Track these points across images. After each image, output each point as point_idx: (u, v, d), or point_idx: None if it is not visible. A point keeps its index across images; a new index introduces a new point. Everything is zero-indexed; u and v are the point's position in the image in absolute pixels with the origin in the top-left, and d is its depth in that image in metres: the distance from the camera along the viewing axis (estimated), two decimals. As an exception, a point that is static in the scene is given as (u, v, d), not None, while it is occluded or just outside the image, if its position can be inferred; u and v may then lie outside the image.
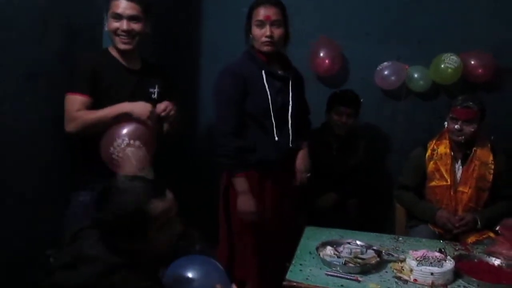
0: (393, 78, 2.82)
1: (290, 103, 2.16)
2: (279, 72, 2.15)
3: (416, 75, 2.77)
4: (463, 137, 2.28)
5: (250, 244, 2.18)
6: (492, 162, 2.30)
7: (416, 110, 2.87)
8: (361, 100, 2.66)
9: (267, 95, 2.09)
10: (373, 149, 2.79)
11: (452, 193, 2.32)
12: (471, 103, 2.24)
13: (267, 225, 2.17)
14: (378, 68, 2.83)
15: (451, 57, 2.66)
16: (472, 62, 2.70)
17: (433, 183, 2.36)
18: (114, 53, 2.06)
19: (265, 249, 2.19)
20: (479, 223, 2.27)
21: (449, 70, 2.66)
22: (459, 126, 2.26)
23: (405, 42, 2.84)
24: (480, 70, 2.70)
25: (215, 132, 2.13)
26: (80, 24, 2.17)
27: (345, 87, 2.88)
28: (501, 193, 2.33)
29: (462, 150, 2.34)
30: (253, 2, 2.11)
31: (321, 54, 2.87)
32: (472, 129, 2.26)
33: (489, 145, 2.34)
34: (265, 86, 2.09)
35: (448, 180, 2.31)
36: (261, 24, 2.06)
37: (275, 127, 2.10)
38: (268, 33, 2.05)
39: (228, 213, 2.22)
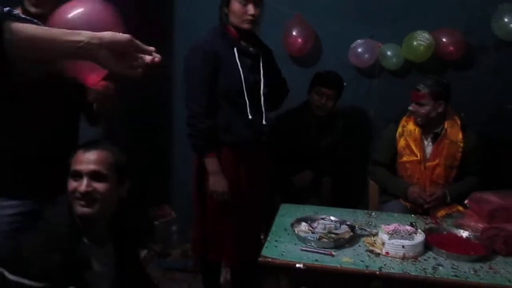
0: (366, 56, 2.83)
1: (262, 80, 2.15)
2: (250, 49, 2.13)
3: (389, 53, 2.79)
4: (419, 119, 2.35)
5: (224, 224, 2.19)
6: (462, 140, 2.36)
7: (389, 87, 2.90)
8: (344, 84, 2.64)
9: (240, 73, 2.06)
10: (349, 127, 2.81)
11: (422, 168, 2.37)
12: (422, 85, 2.31)
13: (242, 204, 2.19)
14: (352, 46, 2.83)
15: (423, 34, 2.68)
16: (444, 40, 2.73)
17: (404, 159, 2.42)
18: None
19: (240, 228, 2.20)
20: (448, 197, 2.34)
21: (421, 47, 2.68)
22: (412, 107, 2.34)
23: (378, 20, 2.85)
24: (451, 48, 2.74)
25: (188, 113, 2.10)
26: None
27: (319, 66, 2.89)
28: (469, 169, 2.40)
29: (431, 128, 2.38)
30: None
31: (294, 33, 2.84)
32: (423, 111, 2.32)
33: (458, 123, 2.39)
34: (237, 64, 2.06)
35: (418, 155, 2.37)
36: (245, 3, 2.04)
37: (249, 106, 2.09)
38: (252, 11, 2.04)
39: (201, 194, 2.21)
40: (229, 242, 2.20)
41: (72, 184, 1.41)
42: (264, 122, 2.16)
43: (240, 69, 2.06)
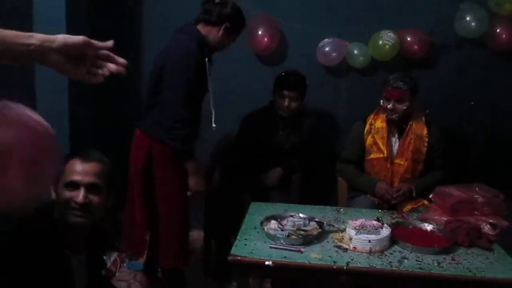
0: (334, 54, 2.87)
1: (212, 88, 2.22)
2: (211, 59, 2.20)
3: (356, 52, 2.83)
4: (396, 115, 2.39)
5: (182, 226, 2.23)
6: (427, 135, 2.42)
7: (357, 86, 2.95)
8: (307, 83, 2.64)
9: (207, 83, 2.14)
10: (317, 125, 2.84)
11: (389, 165, 2.43)
12: (401, 83, 2.35)
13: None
14: (319, 45, 2.86)
15: (389, 34, 2.74)
16: (408, 39, 2.80)
17: (371, 156, 2.46)
18: None
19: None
20: (414, 192, 2.40)
21: (387, 46, 2.74)
22: (391, 106, 2.37)
23: (345, 19, 2.89)
24: (415, 47, 2.81)
25: (173, 115, 2.05)
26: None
27: (286, 64, 2.90)
28: (434, 163, 2.47)
29: (398, 124, 2.44)
30: None
31: (260, 32, 2.85)
32: (404, 107, 2.37)
33: (423, 119, 2.46)
34: (206, 74, 2.12)
35: (385, 152, 2.42)
36: None
37: (215, 115, 2.18)
38: None
39: (149, 197, 2.23)
40: (177, 245, 2.24)
41: (67, 194, 1.39)
42: (213, 124, 2.22)
43: (208, 78, 2.14)
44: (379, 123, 2.45)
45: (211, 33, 2.17)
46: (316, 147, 2.83)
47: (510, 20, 2.72)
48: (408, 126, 2.42)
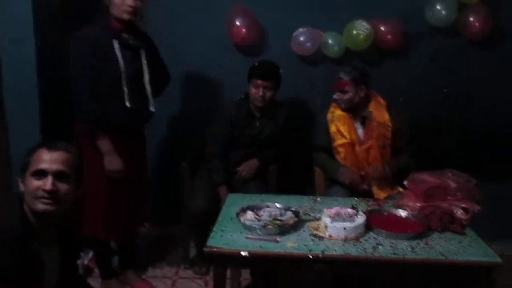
0: (308, 44, 2.86)
1: (147, 70, 2.26)
2: (131, 41, 2.20)
3: (330, 41, 2.84)
4: (343, 105, 2.44)
5: (101, 200, 2.26)
6: (389, 120, 2.44)
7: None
8: (281, 72, 2.63)
9: (118, 64, 2.16)
10: (293, 115, 2.84)
11: (354, 150, 2.45)
12: (342, 73, 2.41)
13: (118, 186, 2.27)
14: (294, 34, 2.86)
15: (363, 23, 2.75)
16: (382, 29, 2.81)
17: (336, 143, 2.50)
18: None
19: (116, 202, 2.30)
20: (387, 168, 2.42)
21: (361, 36, 2.74)
22: (336, 96, 2.43)
23: (320, 8, 2.89)
24: (389, 37, 2.82)
25: (76, 97, 2.17)
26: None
27: (264, 55, 2.89)
28: (401, 148, 2.49)
29: (359, 112, 2.47)
30: None
31: (237, 23, 2.83)
32: (347, 97, 2.42)
33: (384, 104, 2.47)
34: (116, 55, 2.15)
35: (348, 137, 2.45)
36: None
37: (127, 94, 2.18)
38: (131, 3, 2.13)
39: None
40: (105, 218, 2.29)
41: (35, 182, 1.39)
42: (151, 108, 2.30)
43: (120, 60, 2.16)
44: (339, 111, 2.50)
45: (112, 3, 2.16)
46: (292, 137, 2.84)
47: (480, 8, 2.76)
48: (368, 114, 2.44)
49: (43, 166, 1.39)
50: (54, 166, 1.40)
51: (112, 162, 2.20)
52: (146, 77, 2.27)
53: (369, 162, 2.45)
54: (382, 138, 2.43)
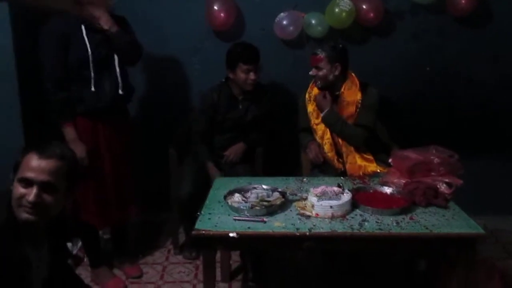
0: (291, 27, 2.84)
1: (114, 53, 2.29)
2: (98, 25, 2.21)
3: (313, 21, 2.82)
4: (319, 82, 2.44)
5: (92, 189, 2.31)
6: (359, 100, 2.43)
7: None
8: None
9: (87, 48, 2.19)
10: (277, 98, 2.84)
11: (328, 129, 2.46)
12: (319, 49, 2.40)
13: (104, 169, 2.34)
14: (276, 20, 2.84)
15: (345, 0, 2.73)
16: (364, 7, 2.80)
17: (313, 122, 2.51)
18: None
19: (104, 193, 2.35)
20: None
21: (343, 13, 2.73)
22: (312, 72, 2.42)
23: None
24: (371, 14, 2.82)
25: (46, 85, 2.22)
26: None
27: (244, 39, 2.84)
28: (360, 122, 2.44)
29: (333, 91, 2.46)
30: None
31: (216, 8, 2.80)
32: (322, 74, 2.40)
33: (357, 84, 2.46)
34: (84, 40, 2.19)
35: None
36: None
37: (95, 78, 2.23)
38: None
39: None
40: (94, 206, 2.33)
41: (20, 190, 1.31)
42: (120, 92, 2.31)
43: (88, 44, 2.19)
44: (316, 90, 2.51)
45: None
46: (277, 119, 2.84)
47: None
48: (340, 93, 2.45)
49: (30, 175, 1.31)
50: (41, 177, 1.31)
51: (76, 149, 2.18)
52: (116, 61, 2.29)
53: (342, 141, 2.45)
54: (352, 118, 2.44)
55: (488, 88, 3.01)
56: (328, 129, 2.46)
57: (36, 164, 1.31)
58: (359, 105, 2.43)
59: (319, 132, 2.49)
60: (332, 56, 2.39)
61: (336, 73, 2.41)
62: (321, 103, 2.44)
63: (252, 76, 2.52)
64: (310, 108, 2.51)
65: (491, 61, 2.97)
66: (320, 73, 2.40)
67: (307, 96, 2.54)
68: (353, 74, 2.48)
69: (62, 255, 1.60)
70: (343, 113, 2.44)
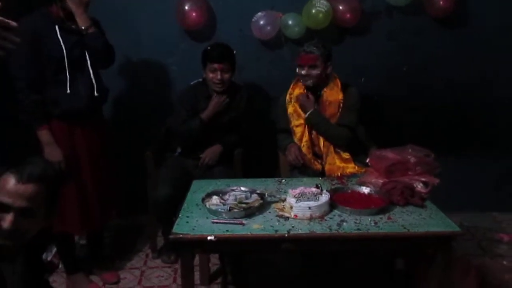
0: (269, 28, 2.83)
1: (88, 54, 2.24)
2: (73, 26, 2.19)
3: (290, 22, 2.82)
4: (311, 81, 2.42)
5: (67, 194, 2.23)
6: (341, 100, 2.45)
7: (294, 56, 2.94)
8: (234, 52, 2.60)
9: (62, 49, 2.14)
10: (255, 99, 2.83)
11: (310, 130, 2.46)
12: (314, 48, 2.38)
13: (82, 172, 2.29)
14: (253, 20, 2.82)
15: (321, 1, 2.74)
16: (341, 8, 2.81)
17: (293, 123, 2.50)
18: None
19: (84, 197, 2.30)
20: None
21: (320, 14, 2.74)
22: (305, 71, 2.40)
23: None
24: (348, 15, 2.83)
25: (15, 89, 2.16)
26: None
27: (217, 39, 2.82)
28: (343, 122, 2.45)
29: (315, 92, 2.47)
30: None
31: (187, 7, 2.76)
32: (316, 72, 2.39)
33: (339, 84, 2.48)
34: (59, 40, 2.14)
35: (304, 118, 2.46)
36: None
37: (70, 79, 2.18)
38: None
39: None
40: (73, 212, 2.27)
41: None
42: (96, 93, 2.25)
43: (62, 45, 2.14)
44: (297, 91, 2.50)
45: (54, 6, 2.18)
46: (255, 120, 2.82)
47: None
48: (322, 93, 2.45)
49: (6, 200, 1.21)
50: (18, 203, 1.22)
51: (52, 153, 2.18)
52: (89, 62, 2.24)
53: (321, 140, 2.45)
54: (334, 118, 2.44)
55: (464, 87, 3.05)
56: (306, 131, 2.46)
57: (13, 189, 1.22)
58: (341, 105, 2.43)
59: (298, 134, 2.48)
60: (325, 55, 2.39)
61: (328, 71, 2.41)
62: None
63: (218, 75, 2.48)
64: (291, 109, 2.49)
65: (468, 60, 3.01)
66: (314, 71, 2.38)
67: (287, 97, 2.52)
68: (335, 75, 2.49)
69: (37, 267, 1.51)
70: (325, 113, 2.43)
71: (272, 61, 2.97)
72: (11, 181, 1.23)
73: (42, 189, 1.26)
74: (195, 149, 2.63)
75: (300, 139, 2.47)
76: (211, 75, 2.49)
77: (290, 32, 2.86)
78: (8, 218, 1.20)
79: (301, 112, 2.46)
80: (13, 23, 1.07)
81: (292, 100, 2.50)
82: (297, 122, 2.48)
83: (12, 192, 1.22)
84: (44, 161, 1.36)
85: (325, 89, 2.44)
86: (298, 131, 2.48)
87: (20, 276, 1.37)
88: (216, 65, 2.47)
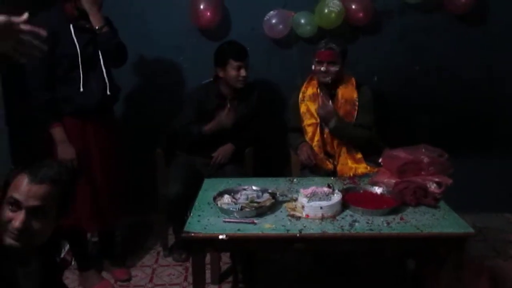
0: (280, 26, 2.83)
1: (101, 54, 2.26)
2: (87, 25, 2.20)
3: (302, 21, 2.81)
4: (329, 78, 2.40)
5: (79, 191, 2.19)
6: (356, 98, 2.45)
7: (305, 55, 2.93)
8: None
9: (76, 48, 2.17)
10: (266, 97, 2.82)
11: (322, 130, 2.45)
12: (334, 45, 2.37)
13: (94, 169, 2.32)
14: (265, 18, 2.82)
15: (334, 1, 2.73)
16: (353, 7, 2.80)
17: (305, 122, 2.50)
18: None
19: (96, 194, 2.32)
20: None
21: (333, 14, 2.73)
22: (324, 68, 2.38)
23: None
24: (360, 14, 2.82)
25: (29, 87, 2.18)
26: None
27: (230, 38, 2.82)
28: (361, 122, 2.46)
29: (329, 90, 2.46)
30: None
31: (201, 6, 2.77)
32: (336, 69, 2.39)
33: (353, 82, 2.48)
34: (73, 39, 2.16)
35: (317, 118, 2.45)
36: None
37: (83, 78, 2.20)
38: None
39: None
40: (86, 208, 2.28)
41: (8, 213, 1.23)
42: (108, 92, 2.28)
43: (77, 44, 2.16)
44: (311, 89, 2.49)
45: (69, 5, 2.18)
46: (266, 119, 2.82)
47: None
48: (336, 92, 2.44)
49: (19, 197, 1.23)
50: (31, 202, 1.23)
51: (65, 150, 2.20)
52: (101, 61, 2.26)
53: (332, 140, 2.46)
54: (348, 117, 2.44)
55: (477, 87, 3.02)
56: (318, 130, 2.45)
57: (26, 189, 1.24)
58: (356, 104, 2.42)
59: (310, 133, 2.48)
60: (344, 52, 2.40)
61: (344, 71, 2.41)
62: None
63: (243, 72, 2.51)
64: (303, 108, 2.49)
65: (481, 60, 2.98)
66: (333, 68, 2.37)
67: (300, 95, 2.50)
68: (349, 73, 2.48)
69: (52, 270, 1.50)
70: (340, 111, 2.43)
71: (283, 59, 2.96)
72: (24, 181, 1.25)
73: (55, 190, 1.27)
74: (207, 148, 2.63)
75: (312, 139, 2.47)
76: (234, 72, 2.50)
77: (302, 31, 2.85)
78: (20, 217, 1.22)
79: (314, 112, 2.45)
80: (43, 32, 1.12)
81: (305, 99, 2.49)
82: (309, 122, 2.47)
83: (25, 191, 1.23)
84: (58, 164, 1.36)
85: (340, 87, 2.42)
86: (309, 130, 2.48)
87: (34, 279, 1.37)
88: (239, 63, 2.49)
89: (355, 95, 2.44)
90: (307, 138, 2.49)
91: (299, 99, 2.51)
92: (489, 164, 3.09)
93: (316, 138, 2.46)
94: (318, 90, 2.48)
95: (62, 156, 2.20)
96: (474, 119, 3.06)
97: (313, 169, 2.46)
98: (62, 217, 1.35)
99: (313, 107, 2.46)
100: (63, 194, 1.31)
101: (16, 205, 1.23)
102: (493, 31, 2.93)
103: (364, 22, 2.85)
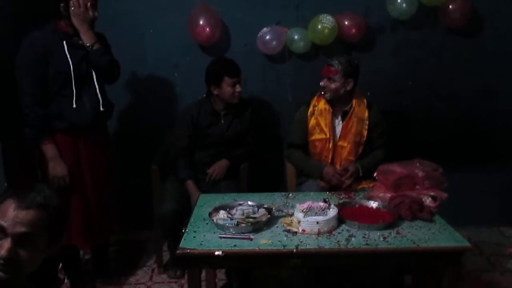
0: (274, 42, 2.86)
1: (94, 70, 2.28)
2: (80, 42, 2.21)
3: (296, 37, 2.84)
4: (328, 94, 2.43)
5: (74, 207, 2.24)
6: (367, 118, 2.47)
7: (299, 71, 2.96)
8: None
9: (69, 65, 2.18)
10: (260, 113, 2.83)
11: (330, 146, 2.46)
12: (335, 61, 2.40)
13: (85, 185, 2.32)
14: (259, 35, 2.85)
15: (327, 17, 2.76)
16: (346, 23, 2.83)
17: (313, 137, 2.50)
18: None
19: (87, 211, 2.32)
20: (360, 172, 2.44)
21: (326, 30, 2.76)
22: (323, 83, 2.42)
23: (283, 5, 2.89)
24: (353, 30, 2.85)
25: (21, 104, 2.19)
26: None
27: (229, 54, 2.86)
28: (375, 143, 2.53)
29: (341, 107, 2.48)
30: None
31: (201, 22, 2.80)
32: (334, 86, 2.41)
33: (365, 102, 2.51)
34: (66, 56, 2.17)
35: (327, 134, 2.45)
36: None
37: (76, 94, 2.21)
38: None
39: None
40: (77, 225, 2.27)
41: None
42: (101, 108, 2.29)
43: (70, 61, 2.17)
44: (322, 104, 2.49)
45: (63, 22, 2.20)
46: (260, 134, 2.83)
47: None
48: (351, 109, 2.46)
49: (4, 224, 1.12)
50: (17, 229, 1.11)
51: (57, 167, 2.21)
52: (95, 78, 2.27)
53: (341, 157, 2.47)
54: (359, 135, 2.47)
55: (471, 101, 3.05)
56: (327, 146, 2.47)
57: (12, 215, 1.13)
58: (367, 124, 2.46)
59: (318, 149, 2.49)
60: (348, 71, 2.40)
61: (348, 88, 2.42)
62: (337, 184, 2.42)
63: (238, 88, 2.53)
64: (313, 122, 2.49)
65: (473, 75, 3.02)
66: (332, 85, 2.40)
67: (310, 109, 2.50)
68: (360, 92, 2.51)
69: None
70: (351, 130, 2.45)
71: (278, 75, 2.98)
72: (10, 206, 1.14)
73: (44, 216, 1.16)
74: (202, 164, 2.63)
75: (320, 154, 2.48)
76: (230, 89, 2.51)
77: (295, 47, 2.88)
78: (5, 245, 1.11)
79: (324, 127, 2.46)
80: None
81: (316, 113, 2.49)
82: (318, 136, 2.48)
83: (11, 217, 1.13)
84: (48, 188, 1.25)
85: (353, 105, 2.45)
86: (318, 145, 2.48)
87: None
88: (235, 79, 2.52)
89: (366, 115, 2.46)
90: (315, 152, 2.50)
91: (309, 112, 2.50)
92: (483, 178, 3.11)
93: (325, 154, 2.47)
94: (329, 106, 2.48)
95: (54, 173, 2.20)
96: (468, 133, 3.09)
97: (335, 188, 2.44)
98: (54, 246, 1.24)
99: (323, 122, 2.46)
100: (53, 220, 1.19)
101: (2, 232, 1.12)
102: (486, 45, 2.98)
103: (357, 38, 2.88)
